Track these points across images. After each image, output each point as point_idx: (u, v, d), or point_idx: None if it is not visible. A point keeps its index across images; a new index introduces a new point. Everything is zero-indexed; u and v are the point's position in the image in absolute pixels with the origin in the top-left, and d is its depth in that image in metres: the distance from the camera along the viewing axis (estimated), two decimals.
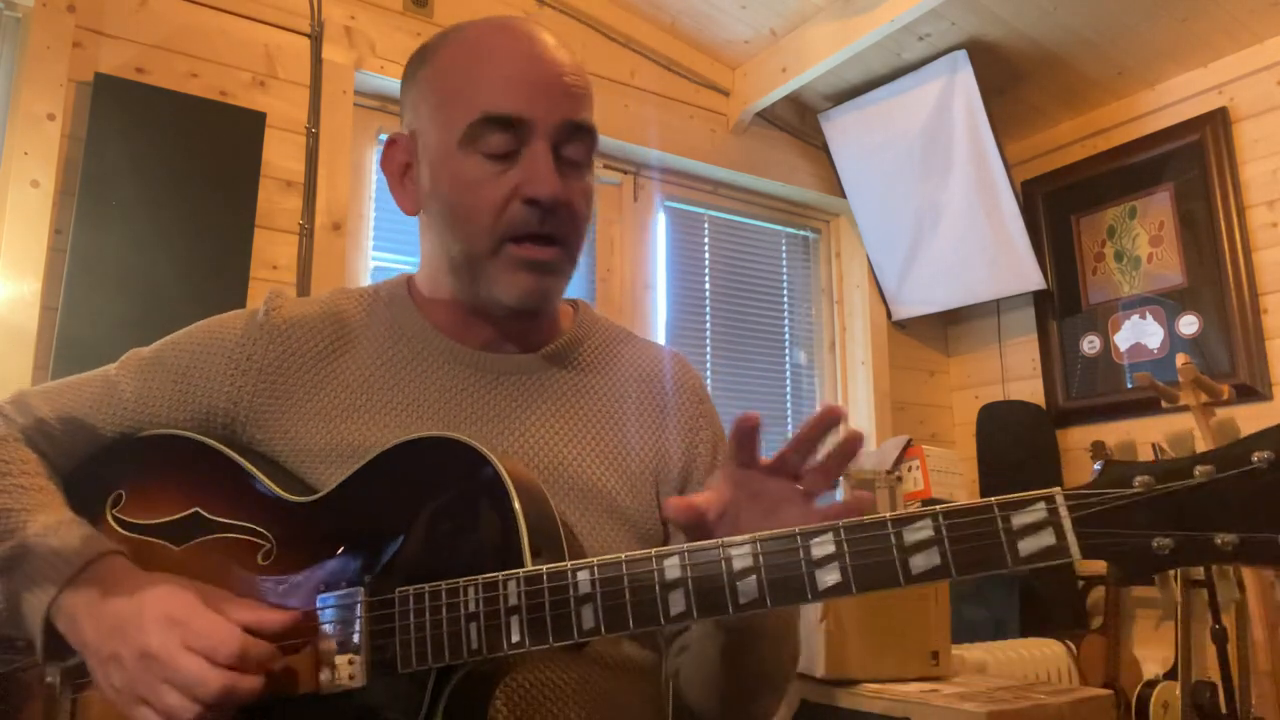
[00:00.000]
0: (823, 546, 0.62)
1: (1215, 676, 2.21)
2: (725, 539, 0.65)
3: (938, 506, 0.61)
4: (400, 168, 0.91)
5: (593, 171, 0.89)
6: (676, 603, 0.64)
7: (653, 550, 0.66)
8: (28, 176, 1.92)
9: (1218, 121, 2.71)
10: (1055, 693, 1.64)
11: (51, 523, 0.76)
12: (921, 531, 0.61)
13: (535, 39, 0.87)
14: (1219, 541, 0.55)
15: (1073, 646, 2.42)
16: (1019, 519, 0.59)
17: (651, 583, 0.65)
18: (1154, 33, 2.65)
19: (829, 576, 0.62)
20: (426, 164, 0.88)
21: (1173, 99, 2.83)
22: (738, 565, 0.64)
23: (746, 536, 0.64)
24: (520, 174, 0.83)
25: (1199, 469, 0.57)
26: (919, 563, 0.60)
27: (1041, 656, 2.30)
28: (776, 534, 0.64)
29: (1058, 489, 0.59)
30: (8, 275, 1.89)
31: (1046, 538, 0.58)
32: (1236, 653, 2.15)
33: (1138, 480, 0.58)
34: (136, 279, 1.95)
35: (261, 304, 0.92)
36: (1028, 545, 0.59)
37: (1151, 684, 2.40)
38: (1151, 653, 2.55)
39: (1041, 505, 0.59)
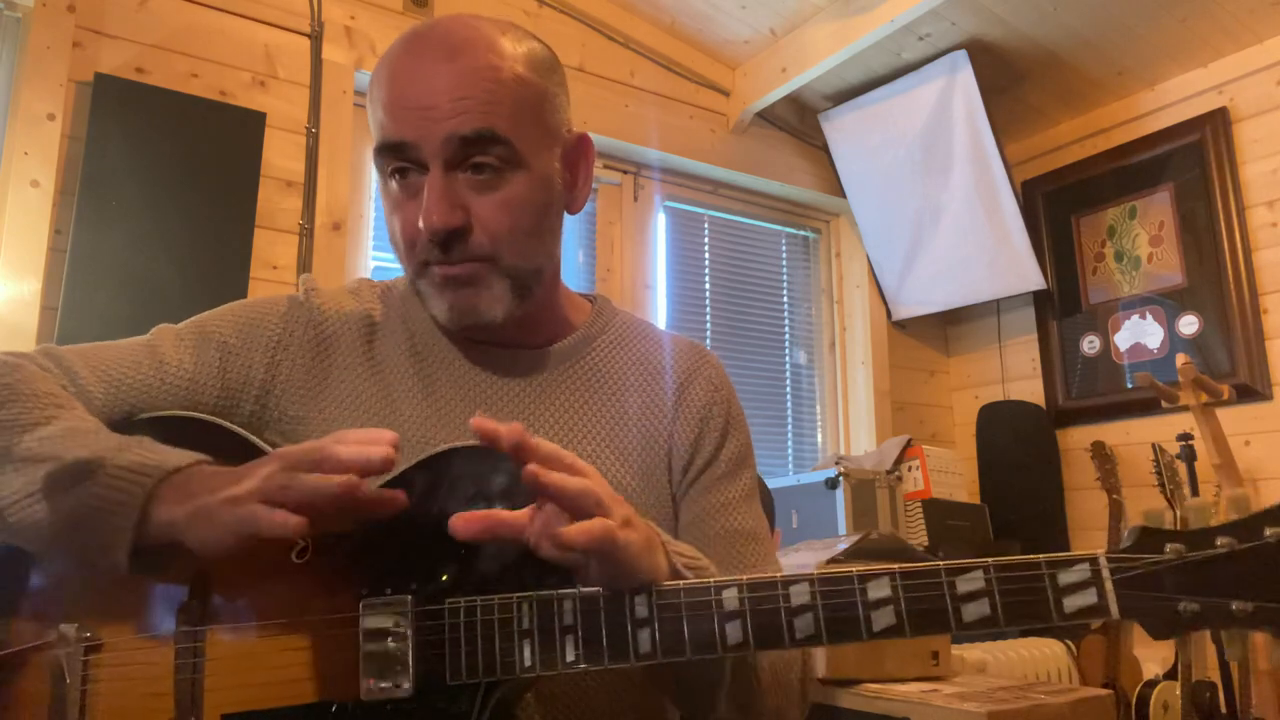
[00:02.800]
0: (879, 589, 0.65)
1: (1215, 676, 2.21)
2: (782, 575, 0.66)
3: (988, 560, 0.64)
4: None
5: (523, 167, 0.82)
6: (734, 634, 0.65)
7: (710, 580, 0.67)
8: (28, 176, 1.92)
9: (1218, 121, 2.71)
10: (1055, 693, 1.64)
11: (138, 440, 0.75)
12: (974, 582, 0.64)
13: (421, 54, 0.82)
14: (1235, 608, 0.61)
15: (1073, 646, 2.42)
16: (1064, 577, 0.63)
17: (709, 612, 0.66)
18: (1154, 33, 2.65)
19: (884, 619, 0.64)
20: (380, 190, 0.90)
21: (1173, 99, 2.83)
22: (796, 601, 0.65)
23: (804, 575, 0.66)
24: (419, 197, 0.81)
25: (1220, 540, 0.62)
26: (970, 611, 0.63)
27: (1041, 656, 2.30)
28: (833, 573, 0.66)
29: (1100, 551, 0.63)
30: (8, 275, 1.89)
31: (1089, 597, 0.62)
32: None
33: (1169, 548, 0.63)
34: (136, 279, 1.95)
35: (300, 287, 0.94)
36: (1072, 602, 0.62)
37: (1151, 684, 2.40)
38: (1151, 653, 2.55)
39: (1086, 565, 0.63)
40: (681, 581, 0.67)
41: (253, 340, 0.88)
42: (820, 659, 1.70)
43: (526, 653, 0.68)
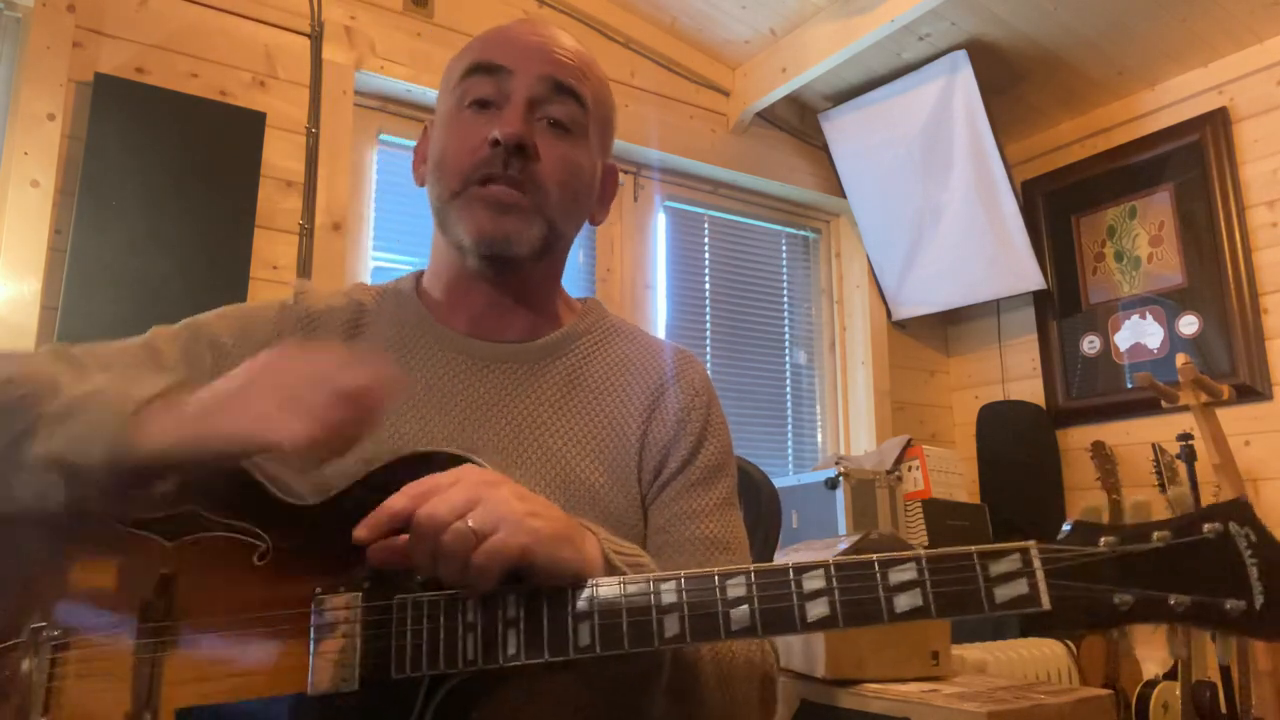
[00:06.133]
0: (813, 581, 0.66)
1: (1215, 676, 2.21)
2: (720, 569, 0.67)
3: (921, 550, 0.65)
4: (424, 148, 0.97)
5: (586, 143, 0.91)
6: (671, 626, 0.67)
7: (648, 575, 0.69)
8: (28, 176, 1.92)
9: (1218, 121, 2.71)
10: (1055, 693, 1.64)
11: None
12: (906, 573, 0.65)
13: (534, 22, 0.93)
14: (1172, 602, 0.61)
15: (1073, 646, 2.42)
16: (996, 567, 0.64)
17: (648, 605, 0.67)
18: (1154, 33, 2.65)
19: (818, 610, 0.65)
20: (436, 128, 0.94)
21: (1173, 99, 2.83)
22: (732, 594, 0.66)
23: (740, 568, 0.67)
24: (494, 121, 0.86)
25: (1157, 534, 0.63)
26: (902, 602, 0.64)
27: (1041, 656, 2.30)
28: (770, 567, 0.67)
29: (1032, 543, 0.64)
30: (8, 275, 1.89)
31: (1020, 587, 0.63)
32: (1236, 653, 2.15)
33: (1103, 541, 0.64)
34: (136, 279, 1.95)
35: (291, 292, 0.96)
36: (1003, 593, 0.63)
37: (1151, 684, 2.40)
38: (1151, 653, 2.55)
39: (1017, 556, 0.63)
40: (622, 577, 0.69)
41: (245, 342, 0.89)
42: (819, 659, 1.70)
43: (469, 646, 0.69)
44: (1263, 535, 0.62)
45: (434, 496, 0.66)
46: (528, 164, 0.85)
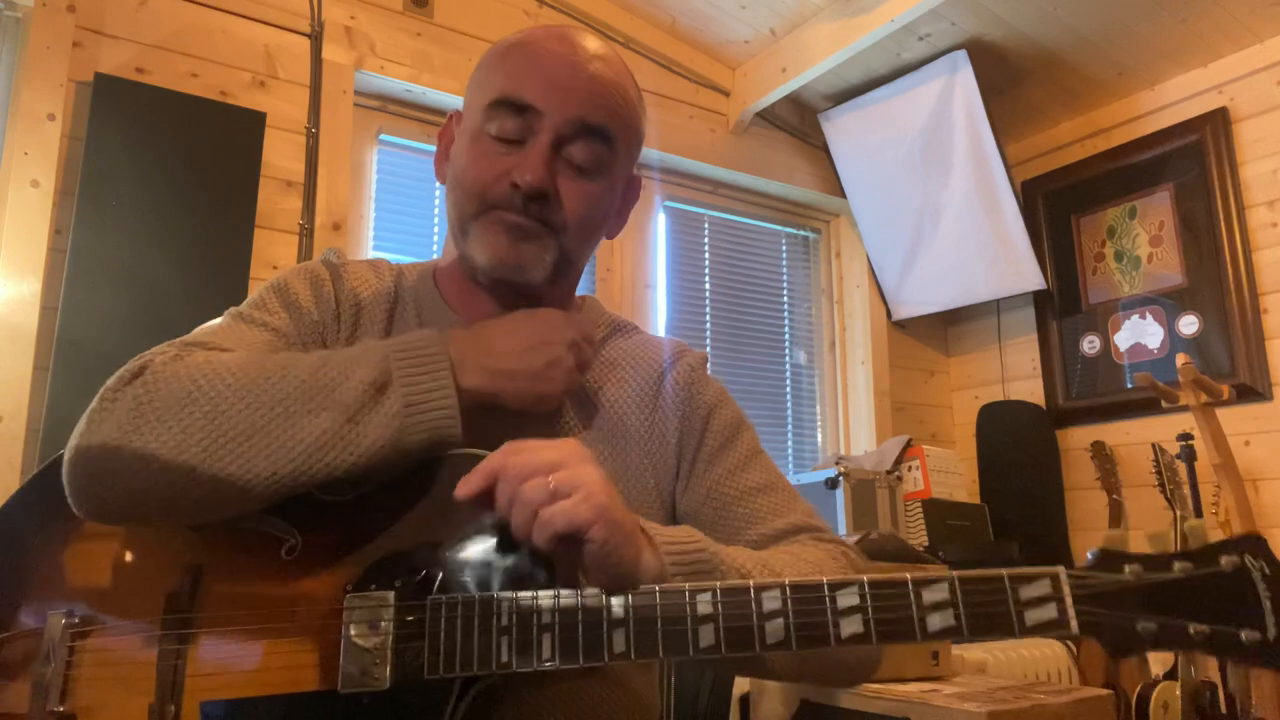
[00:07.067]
0: (848, 598, 0.67)
1: (1215, 676, 2.21)
2: (757, 582, 0.68)
3: (954, 573, 0.66)
4: (447, 141, 0.98)
5: (609, 177, 0.91)
6: (706, 636, 0.67)
7: (686, 585, 0.69)
8: (28, 176, 1.92)
9: (1218, 121, 2.71)
10: (1055, 693, 1.64)
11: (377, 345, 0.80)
12: (939, 593, 0.66)
13: (574, 44, 0.91)
14: (1192, 631, 0.63)
15: (1073, 646, 2.42)
16: (1026, 591, 0.65)
17: (684, 615, 0.68)
18: (1154, 33, 2.65)
19: (852, 626, 0.66)
20: (459, 136, 0.94)
21: (1173, 99, 2.83)
22: (767, 607, 0.67)
23: (775, 581, 0.68)
24: (517, 160, 0.87)
25: (1178, 565, 0.65)
26: (935, 621, 0.65)
27: (1041, 656, 2.30)
28: (805, 582, 0.68)
29: (1060, 568, 0.65)
30: (8, 275, 1.89)
31: (1050, 611, 0.65)
32: None
33: (1128, 569, 0.65)
34: (136, 279, 1.95)
35: (329, 252, 0.98)
36: (1033, 616, 0.65)
37: (1151, 684, 2.40)
38: (1151, 653, 2.55)
39: (1047, 581, 0.65)
40: (657, 585, 0.70)
41: (322, 305, 0.92)
42: None
43: (504, 649, 0.69)
44: (1276, 569, 0.63)
45: (530, 453, 0.69)
46: (546, 207, 0.87)
